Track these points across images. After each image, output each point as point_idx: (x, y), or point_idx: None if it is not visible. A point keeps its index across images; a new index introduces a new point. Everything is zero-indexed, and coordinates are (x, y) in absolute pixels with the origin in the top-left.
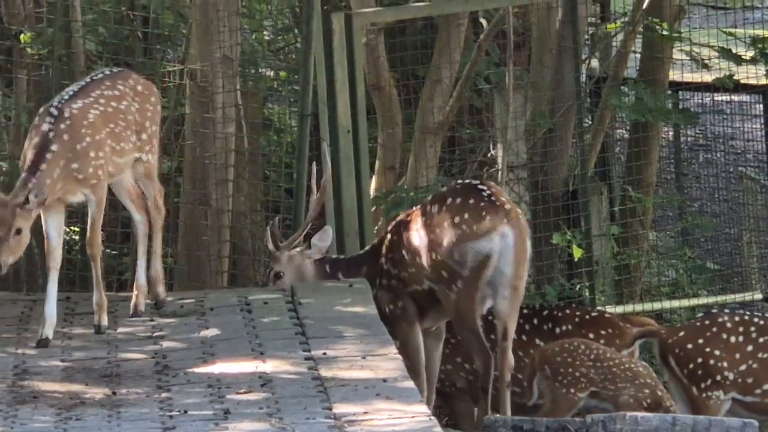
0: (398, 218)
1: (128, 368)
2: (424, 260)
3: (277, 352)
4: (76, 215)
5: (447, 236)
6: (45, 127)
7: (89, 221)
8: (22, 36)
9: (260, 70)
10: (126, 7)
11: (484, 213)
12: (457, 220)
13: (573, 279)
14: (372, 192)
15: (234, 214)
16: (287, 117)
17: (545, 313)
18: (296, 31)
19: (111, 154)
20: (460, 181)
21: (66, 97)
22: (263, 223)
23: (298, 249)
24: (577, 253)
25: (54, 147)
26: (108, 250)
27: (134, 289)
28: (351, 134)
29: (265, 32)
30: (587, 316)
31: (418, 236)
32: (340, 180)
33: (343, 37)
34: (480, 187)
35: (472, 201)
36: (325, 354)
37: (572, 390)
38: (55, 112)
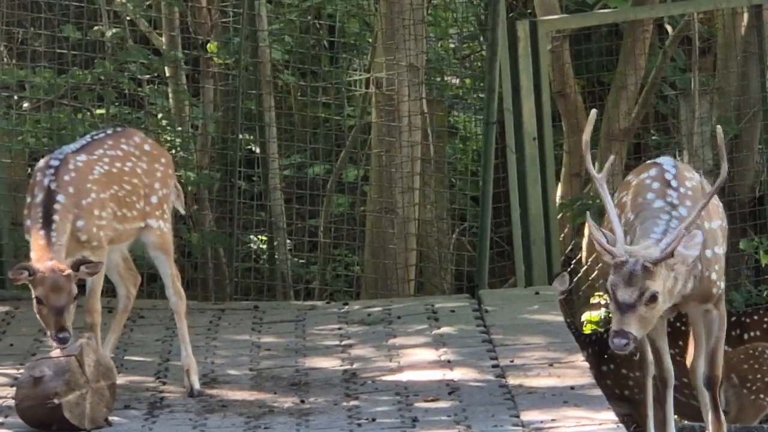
0: None
1: (316, 377)
2: None
3: (464, 360)
4: (262, 224)
5: None
6: (46, 180)
7: (89, 287)
8: (208, 45)
9: (446, 78)
10: (312, 16)
11: None
12: None
13: (760, 285)
14: (558, 199)
15: (420, 222)
16: (473, 125)
17: (733, 319)
18: (481, 38)
19: (113, 219)
20: None
21: (68, 151)
22: (449, 231)
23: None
24: (765, 259)
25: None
26: None
27: None
28: (536, 141)
29: (450, 40)
30: None
31: None
32: (526, 187)
33: (528, 44)
34: None
35: None
36: (512, 362)
37: (761, 395)
38: (56, 163)
